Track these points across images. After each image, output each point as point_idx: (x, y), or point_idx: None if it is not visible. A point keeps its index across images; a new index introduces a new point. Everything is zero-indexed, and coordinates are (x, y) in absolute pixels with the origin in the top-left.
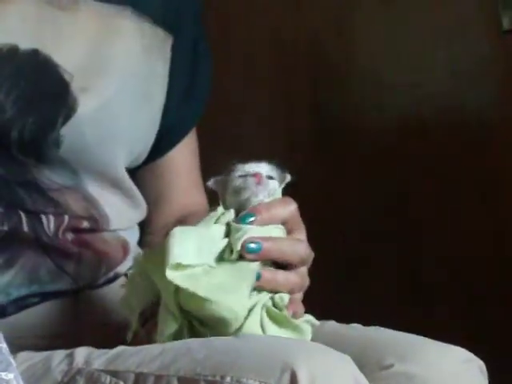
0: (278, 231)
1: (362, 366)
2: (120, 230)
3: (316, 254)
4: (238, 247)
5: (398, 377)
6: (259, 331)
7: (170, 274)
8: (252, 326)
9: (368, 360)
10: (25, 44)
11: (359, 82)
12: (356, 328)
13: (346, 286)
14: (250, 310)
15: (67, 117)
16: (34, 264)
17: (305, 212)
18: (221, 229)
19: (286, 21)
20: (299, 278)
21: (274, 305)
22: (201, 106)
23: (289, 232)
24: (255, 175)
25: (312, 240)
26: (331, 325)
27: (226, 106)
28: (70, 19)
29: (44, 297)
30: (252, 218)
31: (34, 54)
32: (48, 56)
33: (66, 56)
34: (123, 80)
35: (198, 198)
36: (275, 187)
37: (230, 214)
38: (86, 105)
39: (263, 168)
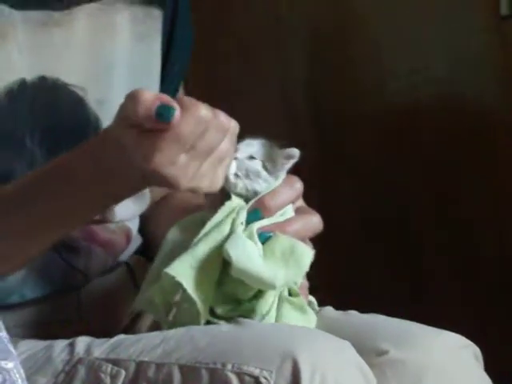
0: (288, 211)
1: (358, 352)
2: (124, 220)
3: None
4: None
5: (394, 363)
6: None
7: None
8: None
9: (364, 346)
10: (30, 74)
11: (358, 68)
12: (353, 314)
13: (344, 273)
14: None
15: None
16: (44, 263)
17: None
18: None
19: (283, 3)
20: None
21: (289, 289)
22: (183, 69)
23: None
24: None
25: None
26: (328, 311)
27: (222, 87)
28: (67, 33)
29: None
30: (259, 215)
31: (42, 80)
32: (55, 78)
33: (72, 72)
34: (130, 80)
35: None
36: (254, 168)
37: (244, 213)
38: (106, 118)
39: (246, 149)
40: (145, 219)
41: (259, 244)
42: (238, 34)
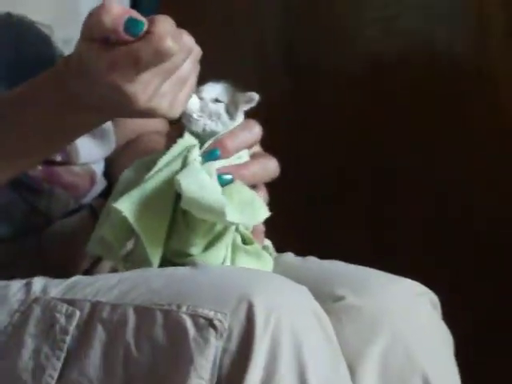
0: (244, 156)
1: (315, 297)
2: (88, 163)
3: (276, 186)
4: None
5: (349, 309)
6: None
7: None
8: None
9: (321, 292)
10: None
11: (330, 18)
12: (312, 260)
13: (306, 219)
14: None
15: None
16: (4, 204)
17: (274, 144)
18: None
19: None
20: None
21: (242, 236)
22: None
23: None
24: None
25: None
26: (287, 257)
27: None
28: None
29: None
30: (217, 155)
31: (8, 16)
32: (21, 15)
33: (39, 10)
34: None
35: None
36: (218, 110)
37: (196, 150)
38: None
39: (212, 91)
40: (109, 162)
41: (218, 184)
42: None
